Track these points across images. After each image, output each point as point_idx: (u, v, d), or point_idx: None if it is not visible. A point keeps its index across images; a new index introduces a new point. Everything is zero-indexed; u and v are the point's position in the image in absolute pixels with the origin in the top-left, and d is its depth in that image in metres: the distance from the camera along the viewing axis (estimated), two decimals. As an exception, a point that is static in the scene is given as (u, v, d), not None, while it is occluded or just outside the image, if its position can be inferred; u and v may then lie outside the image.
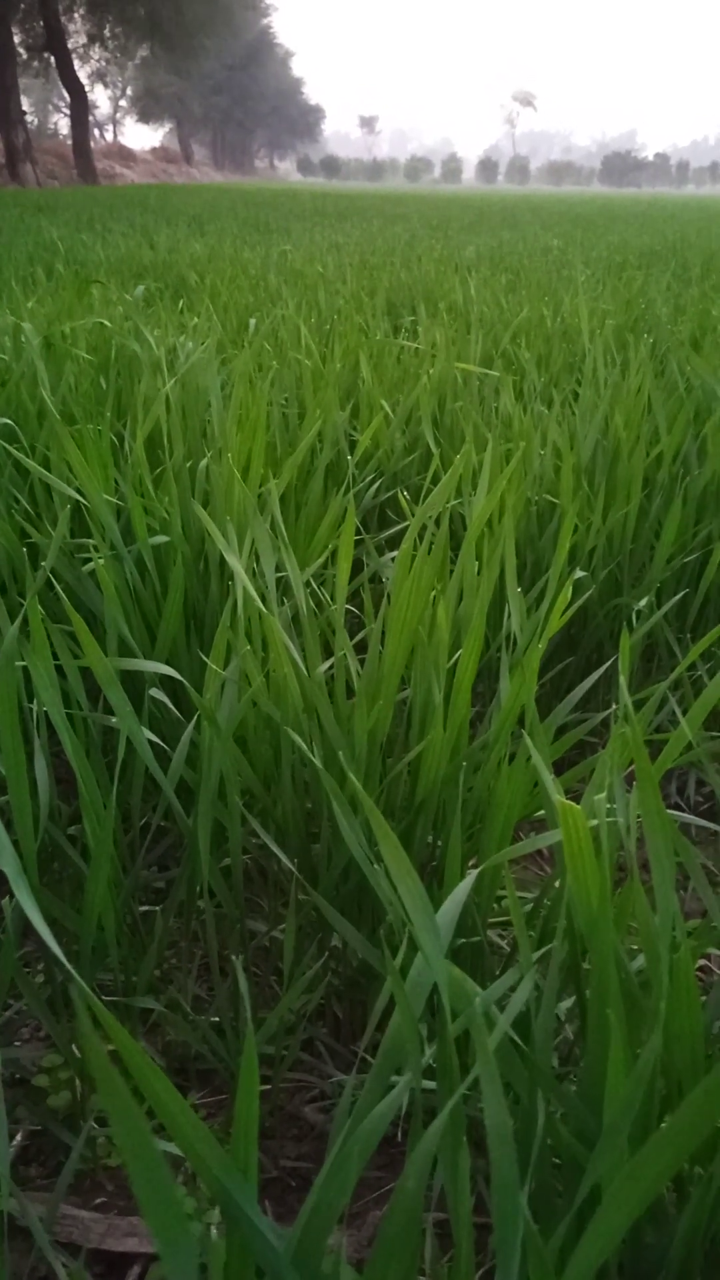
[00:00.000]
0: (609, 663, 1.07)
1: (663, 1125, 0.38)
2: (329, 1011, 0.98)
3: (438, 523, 1.15)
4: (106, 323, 1.72)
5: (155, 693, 1.01)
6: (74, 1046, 0.90)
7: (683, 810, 1.35)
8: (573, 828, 0.56)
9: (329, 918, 0.79)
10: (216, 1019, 0.95)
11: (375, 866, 0.75)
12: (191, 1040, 0.91)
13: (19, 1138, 0.89)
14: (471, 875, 0.60)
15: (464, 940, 0.79)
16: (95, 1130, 0.87)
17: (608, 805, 0.69)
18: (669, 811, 1.05)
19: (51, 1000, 0.92)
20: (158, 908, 1.07)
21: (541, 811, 0.93)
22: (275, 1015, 0.82)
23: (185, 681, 0.86)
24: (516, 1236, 0.35)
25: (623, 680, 0.63)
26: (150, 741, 0.97)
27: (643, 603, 1.18)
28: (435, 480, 1.50)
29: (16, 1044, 0.98)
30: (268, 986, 1.02)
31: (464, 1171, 0.41)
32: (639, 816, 0.68)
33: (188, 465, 1.38)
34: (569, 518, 0.90)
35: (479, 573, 0.90)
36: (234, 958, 0.95)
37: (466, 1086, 0.41)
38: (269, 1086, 0.90)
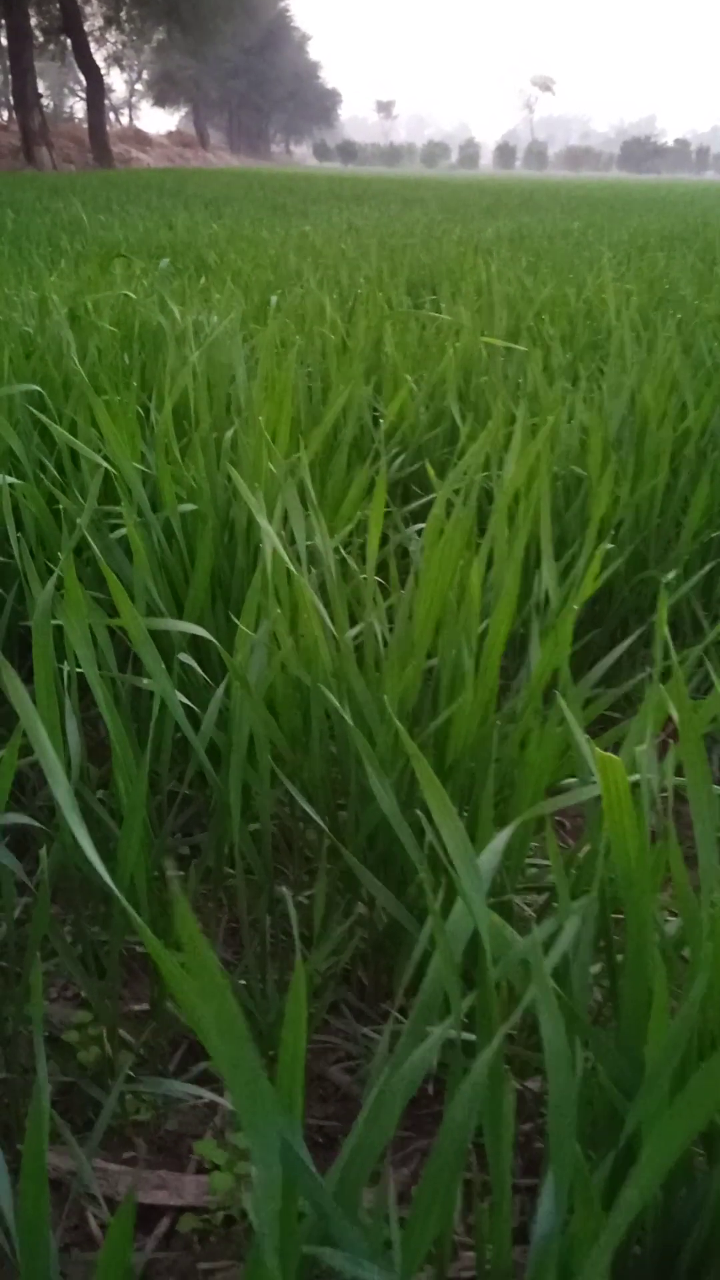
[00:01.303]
0: (637, 633, 1.07)
1: (704, 1064, 0.38)
2: (355, 976, 0.99)
3: (465, 495, 1.14)
4: (131, 294, 1.72)
5: (184, 657, 1.02)
6: (106, 1002, 0.90)
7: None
8: (611, 779, 0.56)
9: (360, 876, 0.80)
10: (244, 980, 0.95)
11: (405, 826, 0.76)
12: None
13: (50, 1093, 0.90)
14: (511, 826, 0.60)
15: (493, 900, 0.80)
16: (124, 1087, 0.88)
17: (644, 765, 0.69)
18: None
19: (83, 958, 0.93)
20: (183, 874, 1.07)
21: (570, 779, 0.93)
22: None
23: (216, 643, 0.86)
24: (569, 1163, 0.35)
25: (662, 632, 0.63)
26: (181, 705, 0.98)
27: (670, 576, 1.18)
28: (461, 455, 1.49)
29: (46, 1003, 0.99)
30: (294, 951, 1.02)
31: (508, 1108, 0.41)
32: (676, 776, 0.68)
33: (214, 436, 1.38)
34: (604, 478, 0.89)
35: (511, 537, 0.90)
36: (265, 918, 0.96)
37: (510, 1027, 0.41)
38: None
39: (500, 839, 0.60)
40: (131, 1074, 0.89)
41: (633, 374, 1.41)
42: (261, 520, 0.86)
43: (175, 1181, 0.82)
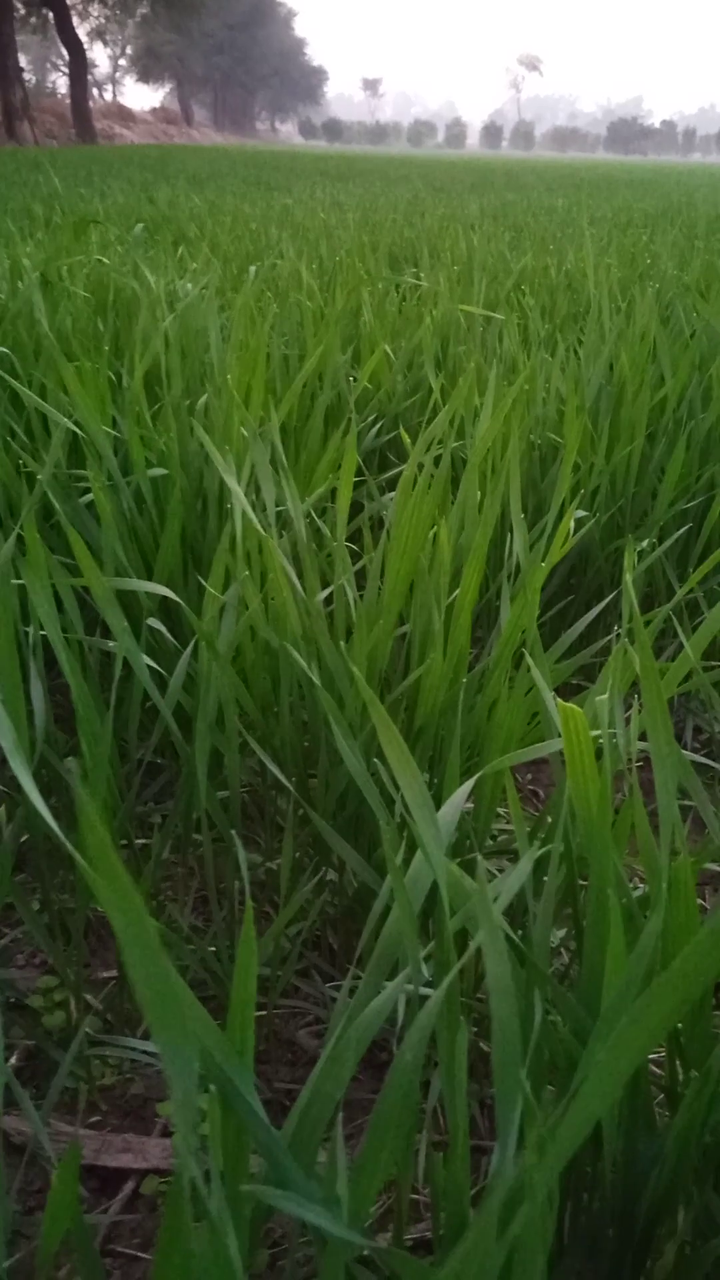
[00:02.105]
0: (609, 597, 1.06)
1: (655, 981, 0.38)
2: (324, 942, 0.98)
3: (437, 460, 1.13)
4: (104, 260, 1.70)
5: (153, 621, 1.00)
6: (70, 968, 0.90)
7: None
8: (574, 730, 0.55)
9: (327, 838, 0.79)
10: (213, 948, 0.95)
11: (372, 785, 0.75)
12: (190, 962, 0.91)
13: (14, 1059, 0.89)
14: (472, 780, 0.60)
15: (459, 859, 0.79)
16: (89, 1051, 0.88)
17: (608, 721, 0.68)
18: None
19: (50, 927, 0.92)
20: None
21: (540, 745, 0.92)
22: (270, 936, 0.82)
23: (183, 605, 0.85)
24: (517, 1098, 0.35)
25: (629, 595, 0.62)
26: (148, 669, 0.97)
27: (644, 544, 1.17)
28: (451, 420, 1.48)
29: (12, 969, 0.99)
30: (264, 917, 1.02)
31: (461, 1049, 0.41)
32: (641, 733, 0.68)
33: (186, 403, 1.36)
34: (571, 441, 0.88)
35: (482, 499, 0.89)
36: (234, 884, 0.96)
37: (463, 968, 0.40)
38: (264, 1012, 0.90)
39: (461, 792, 0.59)
40: (95, 1036, 0.88)
41: (609, 342, 1.40)
42: (229, 480, 0.85)
43: (139, 1144, 0.82)
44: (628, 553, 0.68)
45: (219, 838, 1.08)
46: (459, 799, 0.58)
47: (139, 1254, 0.75)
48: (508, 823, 1.10)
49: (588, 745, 0.56)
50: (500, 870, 1.02)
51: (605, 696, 0.60)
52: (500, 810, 1.16)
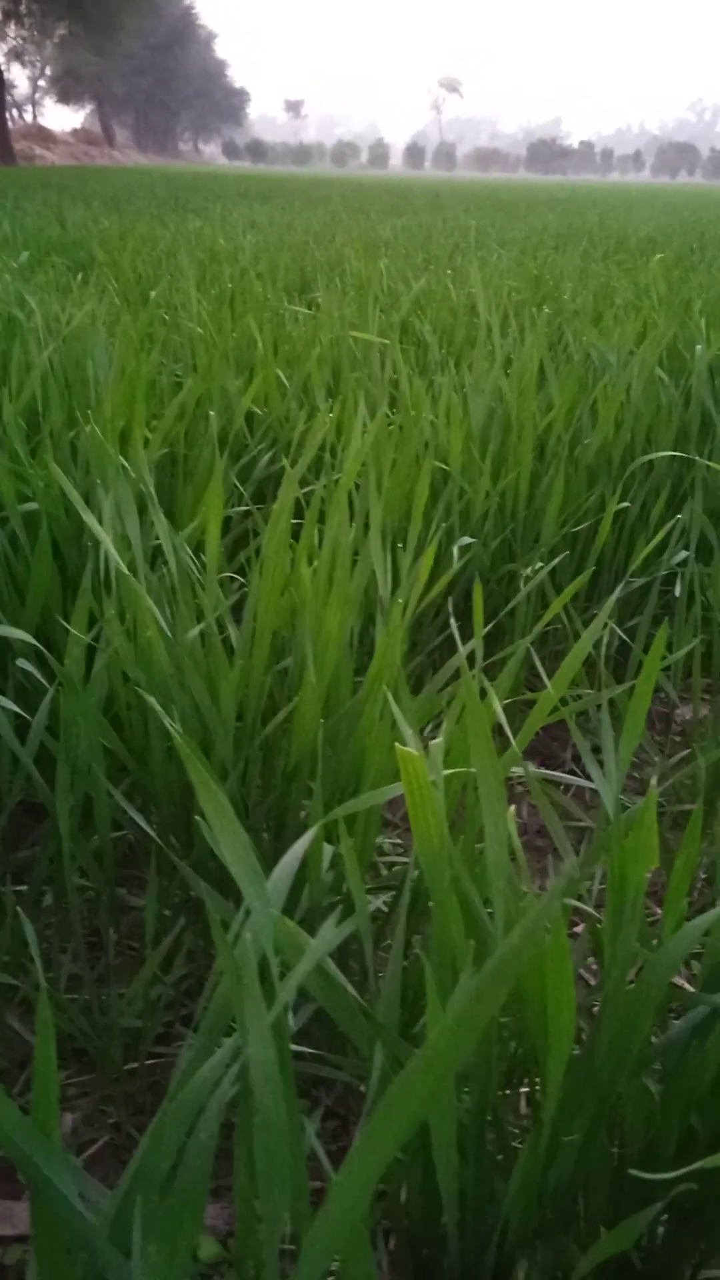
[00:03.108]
0: (490, 625, 1.06)
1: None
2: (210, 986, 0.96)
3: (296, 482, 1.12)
4: (-12, 288, 1.66)
5: (22, 663, 0.97)
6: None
7: (576, 775, 1.35)
8: (411, 772, 0.54)
9: (191, 883, 0.77)
10: (88, 997, 0.92)
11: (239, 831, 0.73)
12: (58, 1021, 0.88)
13: None
14: (313, 830, 0.58)
15: (332, 900, 0.78)
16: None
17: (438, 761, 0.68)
18: (553, 774, 1.05)
19: None
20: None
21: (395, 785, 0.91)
22: (137, 987, 0.79)
23: (43, 649, 0.82)
24: (281, 1181, 0.33)
25: (479, 629, 0.61)
26: (20, 717, 0.94)
27: (530, 569, 1.18)
28: (332, 450, 1.47)
29: None
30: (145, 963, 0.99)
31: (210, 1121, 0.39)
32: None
33: (70, 434, 1.33)
34: (454, 461, 0.88)
35: (363, 529, 0.88)
36: (108, 932, 0.93)
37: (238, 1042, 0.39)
38: (137, 1064, 0.87)
39: (302, 842, 0.58)
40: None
41: (498, 366, 1.41)
42: (88, 518, 0.83)
43: (8, 1210, 0.78)
44: (475, 590, 0.68)
45: (88, 882, 1.05)
46: (299, 849, 0.56)
47: (1, 1331, 0.72)
48: (393, 854, 1.09)
49: (425, 788, 0.55)
50: (384, 905, 1.01)
51: (440, 741, 0.59)
52: (389, 840, 1.15)
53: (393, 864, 1.10)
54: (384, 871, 1.03)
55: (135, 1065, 0.87)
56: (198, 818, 0.65)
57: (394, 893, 0.91)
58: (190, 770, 0.48)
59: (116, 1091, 0.87)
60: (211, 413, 1.14)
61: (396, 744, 0.55)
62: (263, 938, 0.47)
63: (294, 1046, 0.59)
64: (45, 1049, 0.42)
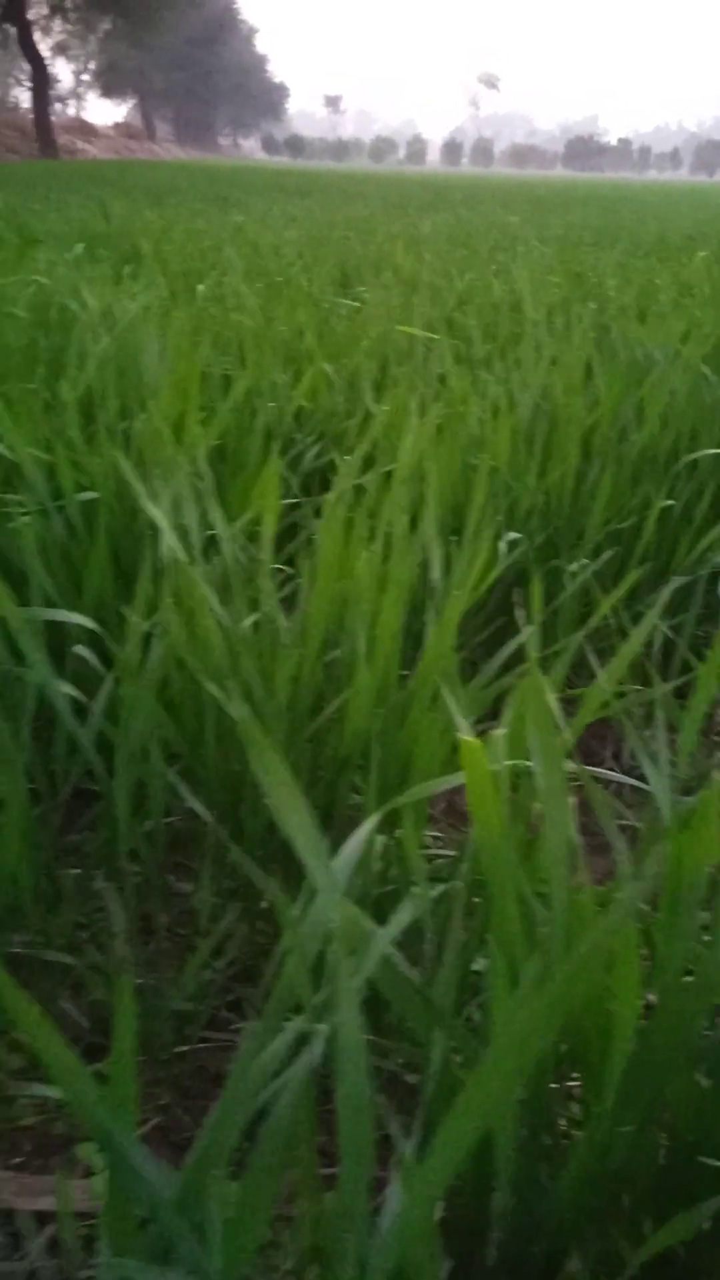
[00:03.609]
0: (539, 620, 1.06)
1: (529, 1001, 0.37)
2: (256, 972, 0.97)
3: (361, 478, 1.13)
4: (44, 280, 1.68)
5: (80, 649, 0.99)
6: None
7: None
8: (472, 763, 0.55)
9: (246, 869, 0.78)
10: (140, 980, 0.93)
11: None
12: (110, 1001, 0.89)
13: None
14: (376, 816, 0.59)
15: (383, 890, 0.79)
16: (10, 1089, 0.86)
17: (522, 752, 0.68)
18: (599, 770, 1.05)
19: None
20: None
21: (453, 775, 0.92)
22: (190, 971, 0.80)
23: (102, 633, 0.84)
24: (364, 1162, 0.34)
25: (534, 619, 0.62)
26: (76, 700, 0.95)
27: (575, 565, 1.18)
28: (375, 445, 1.48)
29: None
30: (195, 949, 1.00)
31: (356, 1095, 0.40)
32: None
33: (123, 425, 1.35)
34: (496, 461, 0.88)
35: (414, 521, 0.89)
36: (159, 916, 0.94)
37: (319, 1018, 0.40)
38: (188, 1047, 0.89)
39: (365, 828, 0.59)
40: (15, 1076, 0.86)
41: (545, 361, 1.41)
42: (149, 507, 0.84)
43: (36, 1184, 0.80)
44: (532, 588, 0.68)
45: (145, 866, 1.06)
46: (361, 834, 0.57)
47: (56, 1301, 0.73)
48: (441, 848, 1.10)
49: (486, 778, 0.55)
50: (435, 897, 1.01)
51: (502, 731, 0.59)
52: (436, 834, 1.15)
53: (433, 857, 1.11)
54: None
55: (185, 1049, 0.88)
56: (265, 800, 0.66)
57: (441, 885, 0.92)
58: (253, 752, 0.49)
59: (165, 1074, 0.88)
60: (271, 404, 1.15)
61: (458, 733, 0.56)
62: (330, 916, 0.48)
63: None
64: (125, 1022, 0.43)
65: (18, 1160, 0.83)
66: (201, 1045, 0.91)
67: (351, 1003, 0.37)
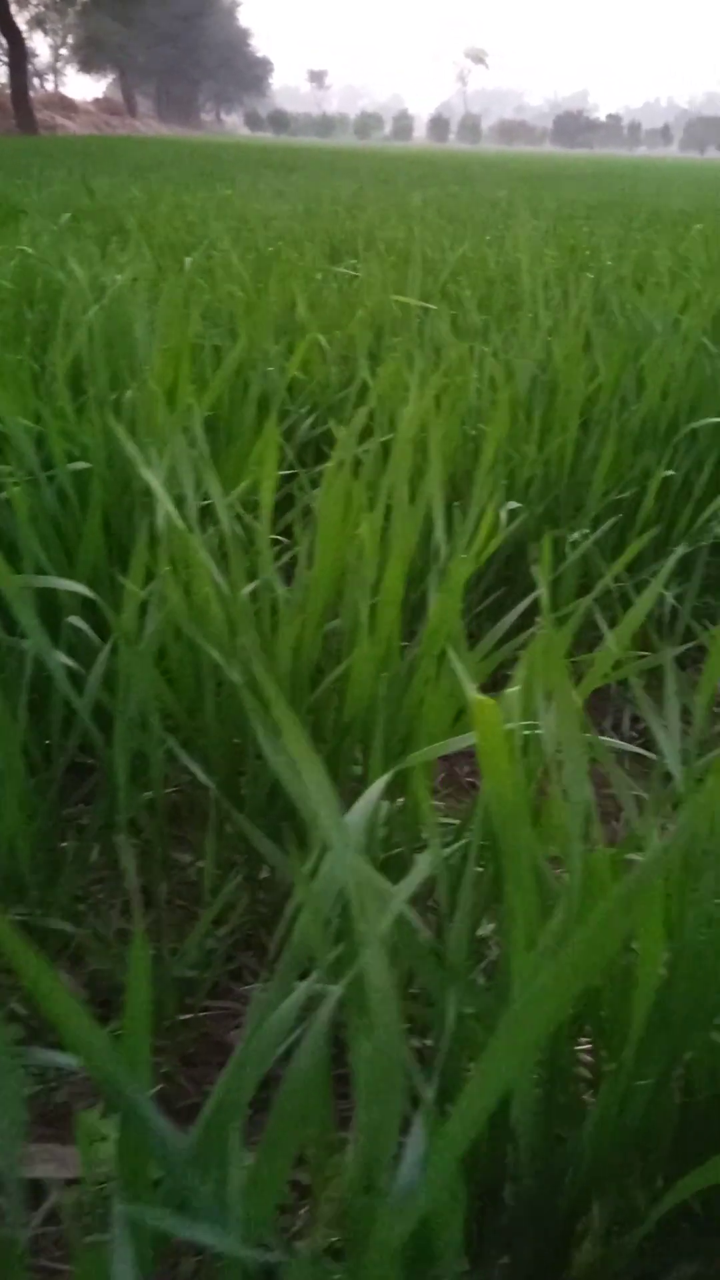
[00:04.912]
0: (541, 588, 1.06)
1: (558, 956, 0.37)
2: (257, 941, 0.97)
3: (361, 445, 1.12)
4: (29, 250, 1.66)
5: (75, 620, 0.98)
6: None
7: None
8: (485, 722, 0.54)
9: (249, 836, 0.77)
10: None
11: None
12: (114, 968, 0.89)
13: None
14: (386, 776, 0.58)
15: (387, 854, 0.78)
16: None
17: (529, 715, 0.67)
18: (605, 739, 1.05)
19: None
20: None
21: (460, 737, 0.91)
22: (194, 939, 0.80)
23: (99, 601, 0.83)
24: (394, 1104, 0.34)
25: (545, 584, 0.61)
26: (71, 670, 0.94)
27: (576, 535, 1.17)
28: (371, 415, 1.47)
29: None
30: (194, 918, 1.00)
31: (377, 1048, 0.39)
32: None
33: (113, 395, 1.33)
34: (495, 427, 0.88)
35: (412, 489, 0.88)
36: (160, 886, 0.94)
37: (354, 966, 0.39)
38: (190, 1015, 0.88)
39: (376, 788, 0.58)
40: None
41: (543, 331, 1.39)
42: (147, 474, 0.83)
43: (62, 1154, 0.80)
44: (544, 545, 0.68)
45: (150, 839, 1.06)
46: (373, 794, 0.57)
47: (61, 1266, 0.73)
48: (446, 814, 1.10)
49: (500, 737, 0.55)
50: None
51: (516, 690, 0.59)
52: (436, 804, 1.15)
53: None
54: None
55: (189, 1016, 0.88)
56: (271, 760, 0.66)
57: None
58: (262, 710, 0.48)
59: (169, 1043, 0.88)
60: (268, 369, 1.13)
61: (470, 692, 0.55)
62: (343, 872, 0.47)
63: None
64: (139, 981, 0.42)
65: (21, 1130, 0.83)
66: (204, 1013, 0.90)
67: (377, 947, 0.36)
